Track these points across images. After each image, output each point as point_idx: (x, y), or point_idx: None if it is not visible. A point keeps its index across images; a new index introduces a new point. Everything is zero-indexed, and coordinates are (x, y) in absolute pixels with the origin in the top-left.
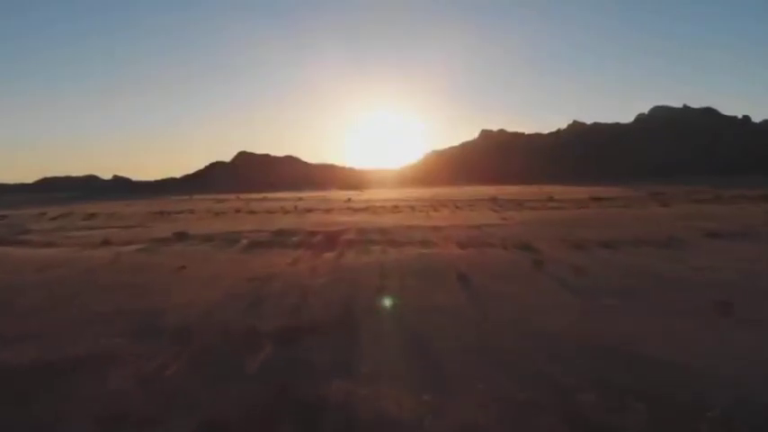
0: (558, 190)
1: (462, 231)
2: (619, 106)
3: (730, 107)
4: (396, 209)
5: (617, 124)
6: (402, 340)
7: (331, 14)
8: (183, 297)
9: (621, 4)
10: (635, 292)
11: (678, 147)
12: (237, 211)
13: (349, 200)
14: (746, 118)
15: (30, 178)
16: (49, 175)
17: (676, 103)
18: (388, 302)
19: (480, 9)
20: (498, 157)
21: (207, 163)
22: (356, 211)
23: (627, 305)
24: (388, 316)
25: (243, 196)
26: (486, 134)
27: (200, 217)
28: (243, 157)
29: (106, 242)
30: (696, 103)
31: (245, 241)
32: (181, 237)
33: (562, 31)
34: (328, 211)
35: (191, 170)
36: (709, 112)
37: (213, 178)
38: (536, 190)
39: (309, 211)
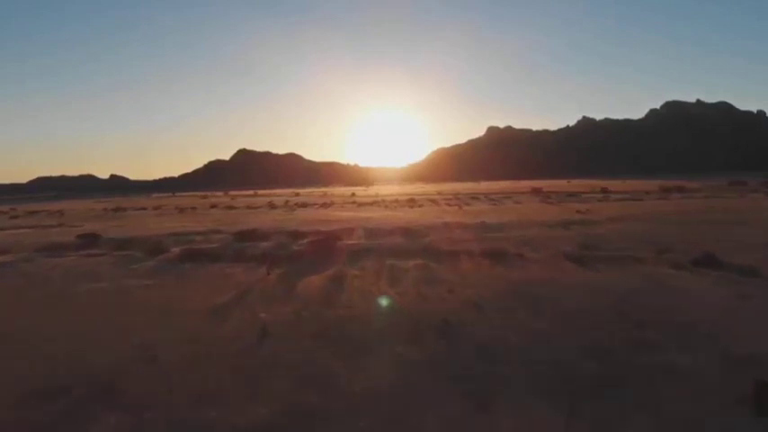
0: (586, 184)
1: (537, 231)
2: (630, 103)
3: (745, 102)
4: (413, 203)
5: (627, 120)
6: None
7: (336, 11)
8: None
9: None
10: None
11: (691, 142)
12: (213, 206)
13: (353, 194)
14: (761, 113)
15: (25, 178)
16: (44, 174)
17: (689, 98)
18: None
19: (487, 5)
20: (505, 153)
21: (206, 161)
22: (362, 205)
23: None
24: None
25: (233, 192)
26: (492, 131)
27: (161, 213)
28: (243, 155)
29: None
30: (710, 98)
31: (176, 249)
32: (86, 242)
33: (569, 27)
34: (326, 205)
35: (191, 169)
36: (723, 107)
37: (213, 177)
38: (565, 183)
39: (303, 206)
